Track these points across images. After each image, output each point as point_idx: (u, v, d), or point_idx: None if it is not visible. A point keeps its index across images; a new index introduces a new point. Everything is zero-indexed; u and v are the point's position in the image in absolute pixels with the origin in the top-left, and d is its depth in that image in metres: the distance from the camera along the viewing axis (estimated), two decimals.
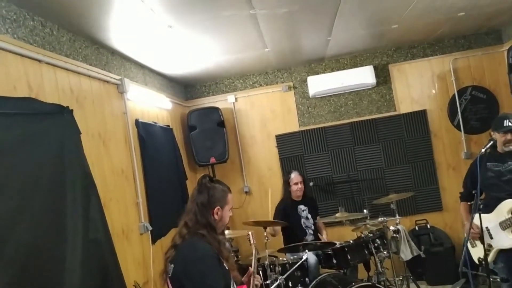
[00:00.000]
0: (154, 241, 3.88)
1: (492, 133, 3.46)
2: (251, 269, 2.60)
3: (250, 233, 3.04)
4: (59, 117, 2.66)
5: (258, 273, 3.44)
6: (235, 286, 2.30)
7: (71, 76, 2.99)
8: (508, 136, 3.32)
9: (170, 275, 2.16)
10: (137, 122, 3.97)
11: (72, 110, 2.80)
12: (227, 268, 2.22)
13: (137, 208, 3.72)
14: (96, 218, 2.79)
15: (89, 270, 2.59)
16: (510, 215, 3.28)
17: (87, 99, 3.16)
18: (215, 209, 2.26)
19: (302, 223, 4.73)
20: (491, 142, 3.34)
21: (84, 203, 2.70)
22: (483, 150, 3.33)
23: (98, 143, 3.23)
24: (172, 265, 2.17)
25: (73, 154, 2.71)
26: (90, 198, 2.79)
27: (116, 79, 3.66)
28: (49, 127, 2.54)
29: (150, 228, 3.78)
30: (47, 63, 2.69)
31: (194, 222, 2.22)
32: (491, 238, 3.41)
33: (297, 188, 4.75)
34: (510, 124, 3.30)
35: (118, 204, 3.39)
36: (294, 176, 4.80)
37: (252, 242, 2.93)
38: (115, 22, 3.12)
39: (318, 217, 4.78)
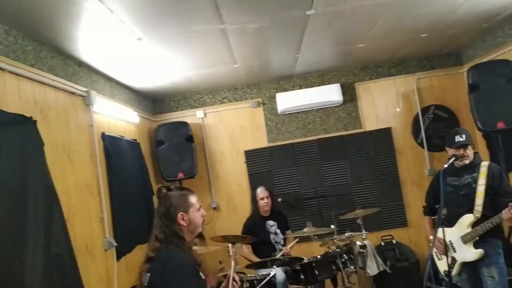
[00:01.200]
0: (119, 257, 3.79)
1: (446, 149, 3.57)
2: (230, 273, 2.63)
3: (229, 245, 3.01)
4: (22, 128, 2.59)
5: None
6: None
7: (36, 87, 2.92)
8: (461, 151, 3.44)
9: (146, 285, 2.12)
10: (103, 135, 3.89)
11: (35, 121, 2.73)
12: (203, 277, 2.20)
13: (101, 223, 3.62)
14: (58, 233, 2.71)
15: (50, 285, 2.49)
16: (470, 229, 3.37)
17: (51, 110, 3.08)
18: (179, 215, 2.20)
19: (271, 238, 4.72)
20: (453, 158, 3.44)
21: (46, 217, 2.61)
22: (445, 166, 3.42)
23: (62, 156, 3.15)
24: (148, 274, 2.13)
25: (36, 166, 2.63)
26: (53, 212, 2.70)
27: (82, 91, 3.60)
28: (11, 138, 2.47)
29: (115, 244, 3.69)
30: (11, 72, 2.63)
31: (163, 234, 2.18)
32: (455, 251, 3.49)
33: (263, 203, 4.76)
34: (461, 139, 3.42)
35: (82, 218, 3.30)
36: (260, 191, 4.80)
37: (231, 253, 2.93)
38: (83, 33, 3.08)
39: (288, 231, 4.78)
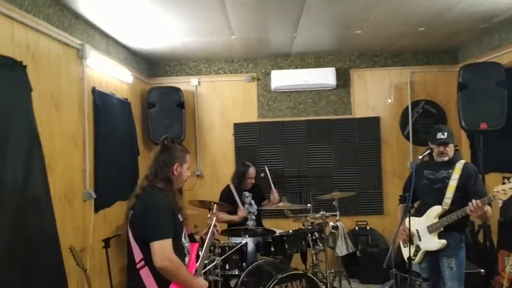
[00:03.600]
0: (97, 209, 3.90)
1: (429, 143, 3.67)
2: (212, 221, 2.79)
3: (214, 205, 3.13)
4: (10, 71, 2.65)
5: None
6: (187, 238, 2.50)
7: (30, 33, 2.97)
8: (441, 148, 3.53)
9: (130, 219, 2.37)
10: (94, 90, 3.96)
11: (25, 66, 2.78)
12: (181, 219, 2.42)
13: (83, 175, 3.72)
14: (37, 176, 2.80)
15: (24, 224, 2.60)
16: (436, 220, 3.50)
17: (43, 58, 3.14)
18: (175, 165, 2.47)
19: (245, 208, 4.85)
20: (428, 151, 3.55)
21: (27, 160, 2.70)
22: (420, 157, 3.54)
23: (49, 104, 3.22)
24: (132, 211, 2.38)
25: (21, 110, 2.71)
26: (34, 156, 2.79)
27: (77, 44, 3.65)
28: None
29: (94, 196, 3.79)
30: (5, 15, 2.67)
31: (154, 176, 2.44)
32: (420, 240, 3.62)
33: (250, 182, 4.91)
34: (442, 136, 3.49)
35: (64, 167, 3.39)
36: (252, 171, 4.91)
37: (214, 211, 3.05)
38: None
39: (265, 201, 4.92)
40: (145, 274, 2.29)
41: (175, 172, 2.48)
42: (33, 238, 2.73)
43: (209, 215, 3.34)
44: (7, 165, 2.51)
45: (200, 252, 2.61)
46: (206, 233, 2.76)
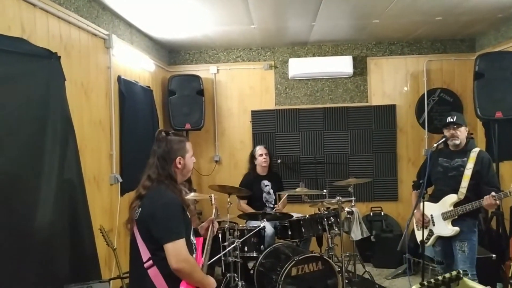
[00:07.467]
0: (122, 193, 4.08)
1: (443, 131, 3.78)
2: (212, 217, 2.86)
3: (212, 195, 3.26)
4: (47, 61, 2.81)
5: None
6: (194, 237, 2.46)
7: (62, 25, 3.13)
8: (452, 130, 3.63)
9: (137, 218, 2.29)
10: (119, 78, 4.11)
11: (59, 57, 2.95)
12: (189, 217, 2.37)
13: (110, 160, 3.90)
14: (71, 160, 2.98)
15: (60, 205, 2.80)
16: (451, 208, 3.61)
17: (74, 48, 3.30)
18: (177, 159, 2.36)
19: (263, 197, 5.00)
20: (443, 139, 3.65)
21: (62, 145, 2.88)
22: (435, 145, 3.65)
23: (80, 92, 3.39)
24: (140, 209, 2.28)
25: (56, 98, 2.88)
26: (68, 141, 2.97)
27: (104, 34, 3.80)
28: (37, 69, 2.71)
29: (120, 180, 3.97)
30: (41, 9, 2.83)
31: (157, 175, 2.31)
32: (434, 225, 3.75)
33: (262, 159, 5.01)
34: (451, 119, 3.61)
35: (92, 153, 3.57)
36: (259, 148, 5.06)
37: (213, 203, 3.18)
38: None
39: (282, 192, 5.05)
40: (154, 274, 2.21)
41: (179, 166, 2.36)
42: (69, 218, 2.92)
43: (212, 201, 3.40)
44: (45, 150, 2.69)
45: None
46: (206, 229, 2.76)
